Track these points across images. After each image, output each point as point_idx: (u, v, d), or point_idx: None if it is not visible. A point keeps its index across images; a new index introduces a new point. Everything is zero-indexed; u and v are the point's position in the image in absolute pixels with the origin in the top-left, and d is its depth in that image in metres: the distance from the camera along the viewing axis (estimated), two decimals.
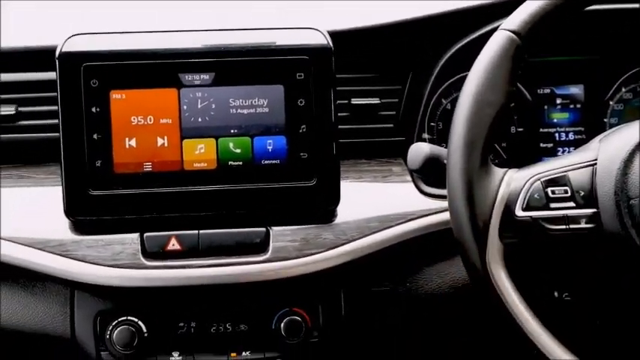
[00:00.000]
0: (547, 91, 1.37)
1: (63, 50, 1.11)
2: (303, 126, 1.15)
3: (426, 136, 1.31)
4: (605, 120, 1.37)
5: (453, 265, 1.22)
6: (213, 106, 1.14)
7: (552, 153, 1.36)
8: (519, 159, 1.32)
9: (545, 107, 1.37)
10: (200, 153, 1.14)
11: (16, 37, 1.24)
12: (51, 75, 1.12)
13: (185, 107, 1.13)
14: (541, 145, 1.37)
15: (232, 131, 1.14)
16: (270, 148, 1.15)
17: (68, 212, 1.12)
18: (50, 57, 1.11)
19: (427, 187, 1.24)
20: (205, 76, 1.13)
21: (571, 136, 1.37)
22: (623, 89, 1.37)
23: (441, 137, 1.31)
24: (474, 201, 1.01)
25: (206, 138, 1.14)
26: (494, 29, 1.08)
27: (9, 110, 1.22)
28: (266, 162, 1.15)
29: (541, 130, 1.37)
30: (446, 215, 1.17)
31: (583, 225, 1.02)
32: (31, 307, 1.17)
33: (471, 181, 1.01)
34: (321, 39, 1.15)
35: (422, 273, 1.23)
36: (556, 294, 1.19)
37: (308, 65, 1.14)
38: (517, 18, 1.05)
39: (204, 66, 1.13)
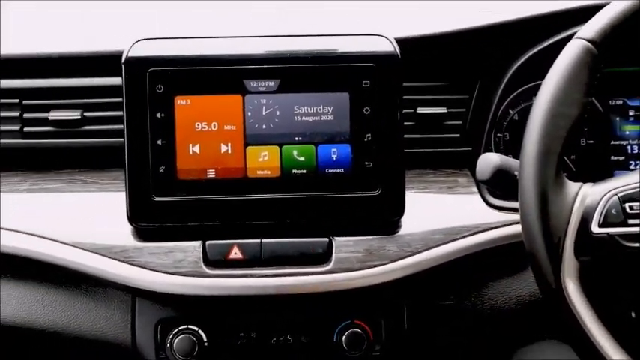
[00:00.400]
0: (619, 102, 1.33)
1: (129, 55, 1.11)
2: (369, 135, 1.13)
3: (492, 147, 1.29)
4: None
5: (519, 279, 1.19)
6: (278, 113, 1.13)
7: (624, 166, 1.32)
8: (589, 172, 1.29)
9: (617, 119, 1.33)
10: (264, 160, 1.13)
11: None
12: (117, 80, 1.13)
13: (249, 114, 1.12)
14: (612, 158, 1.33)
15: (296, 139, 1.13)
16: (334, 156, 1.13)
17: (131, 218, 1.12)
18: (116, 62, 1.12)
19: (494, 199, 1.22)
20: (270, 83, 1.13)
21: None
22: None
23: (508, 148, 1.29)
24: (548, 215, 0.98)
25: (270, 145, 1.13)
26: (566, 38, 1.06)
27: (75, 115, 1.23)
28: (330, 171, 1.13)
29: (612, 142, 1.33)
30: (513, 229, 1.15)
31: None
32: (93, 313, 1.18)
33: (545, 194, 0.98)
34: (387, 46, 1.14)
35: (487, 287, 1.21)
36: (633, 314, 1.16)
37: (374, 73, 1.13)
38: (594, 26, 1.03)
39: (270, 72, 1.13)
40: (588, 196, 1.01)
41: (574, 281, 0.98)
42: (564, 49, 1.03)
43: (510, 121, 1.29)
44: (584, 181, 1.06)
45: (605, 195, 1.01)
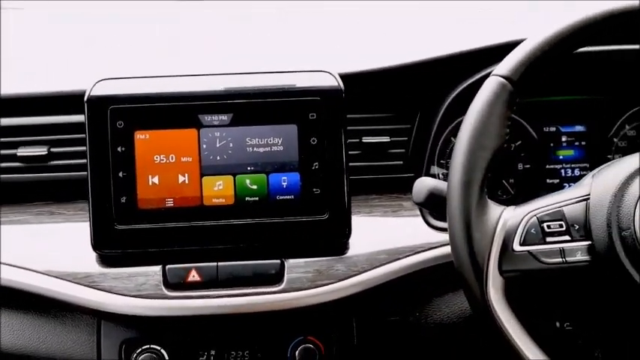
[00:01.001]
0: (553, 129, 1.40)
1: (91, 94, 1.17)
2: (316, 163, 1.19)
3: (436, 170, 1.35)
4: (610, 156, 1.40)
5: (460, 295, 1.23)
6: (231, 144, 1.19)
7: (558, 188, 1.38)
8: (526, 195, 1.35)
9: (551, 144, 1.40)
10: (219, 189, 1.19)
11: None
12: (80, 117, 1.18)
13: (205, 146, 1.18)
14: (547, 181, 1.40)
15: (249, 168, 1.19)
16: (284, 184, 1.20)
17: (95, 246, 1.18)
18: (79, 101, 1.17)
19: (435, 221, 1.27)
20: (224, 117, 1.19)
21: (576, 172, 1.40)
22: (627, 127, 1.40)
23: None
24: (473, 239, 1.04)
25: (224, 175, 1.19)
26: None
27: (41, 151, 1.27)
28: (281, 197, 1.19)
29: (547, 166, 1.40)
30: None
31: (579, 257, 1.05)
32: (61, 336, 1.22)
33: (469, 220, 1.05)
34: (332, 81, 1.20)
35: (431, 303, 1.26)
36: (557, 324, 1.22)
37: (320, 106, 1.19)
38: (508, 63, 1.09)
39: (223, 107, 1.18)
40: (510, 219, 1.07)
41: (500, 298, 1.04)
42: (483, 85, 1.09)
43: (452, 148, 1.36)
44: (522, 203, 1.12)
45: (525, 216, 1.07)
